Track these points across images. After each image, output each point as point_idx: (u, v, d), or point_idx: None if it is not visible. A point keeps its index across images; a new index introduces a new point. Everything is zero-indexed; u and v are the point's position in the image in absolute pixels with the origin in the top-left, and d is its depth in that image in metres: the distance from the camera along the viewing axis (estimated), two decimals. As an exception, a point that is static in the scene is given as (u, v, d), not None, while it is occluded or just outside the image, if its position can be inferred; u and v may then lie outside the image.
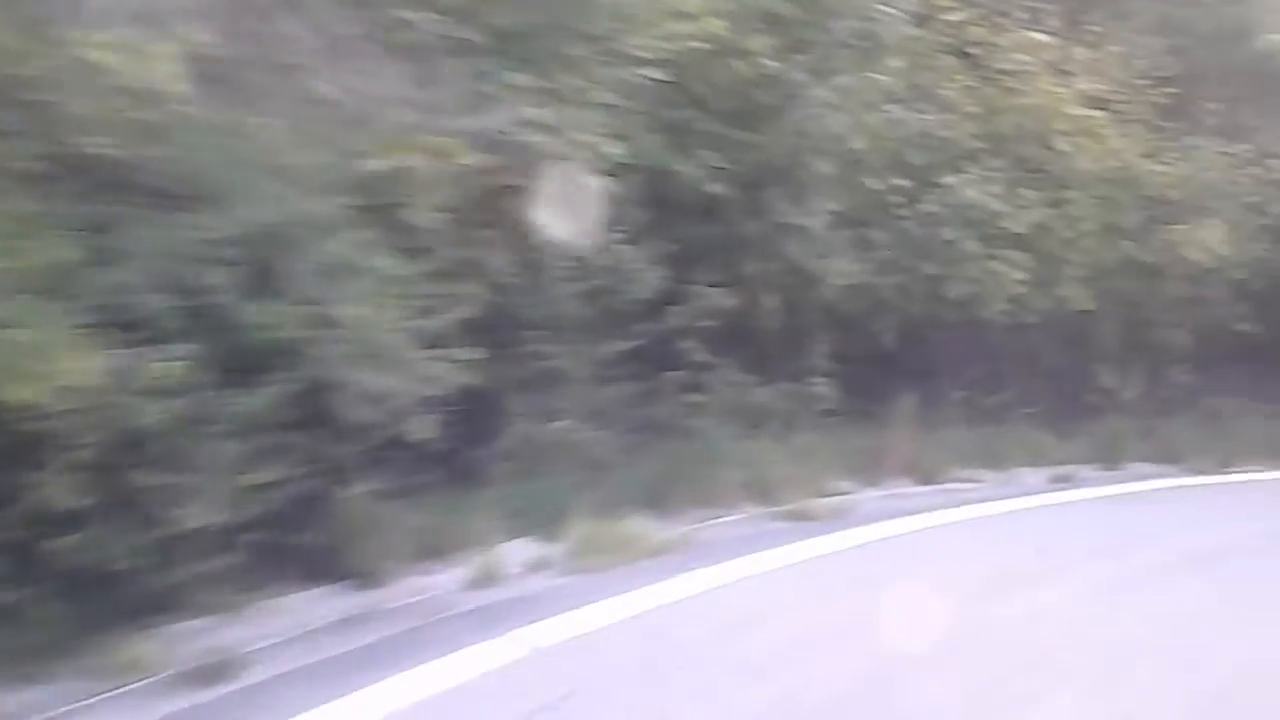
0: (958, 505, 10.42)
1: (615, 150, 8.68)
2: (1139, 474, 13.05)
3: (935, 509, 10.16)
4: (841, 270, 11.20)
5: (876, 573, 7.74)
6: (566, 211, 8.41)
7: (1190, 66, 14.89)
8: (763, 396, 10.71)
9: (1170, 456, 13.71)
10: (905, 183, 11.83)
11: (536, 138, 8.01)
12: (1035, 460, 12.61)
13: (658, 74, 9.26)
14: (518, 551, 7.41)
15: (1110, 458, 13.26)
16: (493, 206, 8.28)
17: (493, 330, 8.08)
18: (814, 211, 10.94)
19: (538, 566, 7.37)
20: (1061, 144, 12.66)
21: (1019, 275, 12.22)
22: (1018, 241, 12.32)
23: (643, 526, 8.22)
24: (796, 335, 11.37)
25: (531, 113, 7.97)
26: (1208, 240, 13.79)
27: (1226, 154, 14.47)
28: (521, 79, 7.98)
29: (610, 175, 8.69)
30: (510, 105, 7.89)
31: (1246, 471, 13.71)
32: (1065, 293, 13.00)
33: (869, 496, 10.62)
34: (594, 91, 8.71)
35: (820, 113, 10.67)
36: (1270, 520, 10.67)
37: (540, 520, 7.85)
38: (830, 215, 11.13)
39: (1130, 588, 7.63)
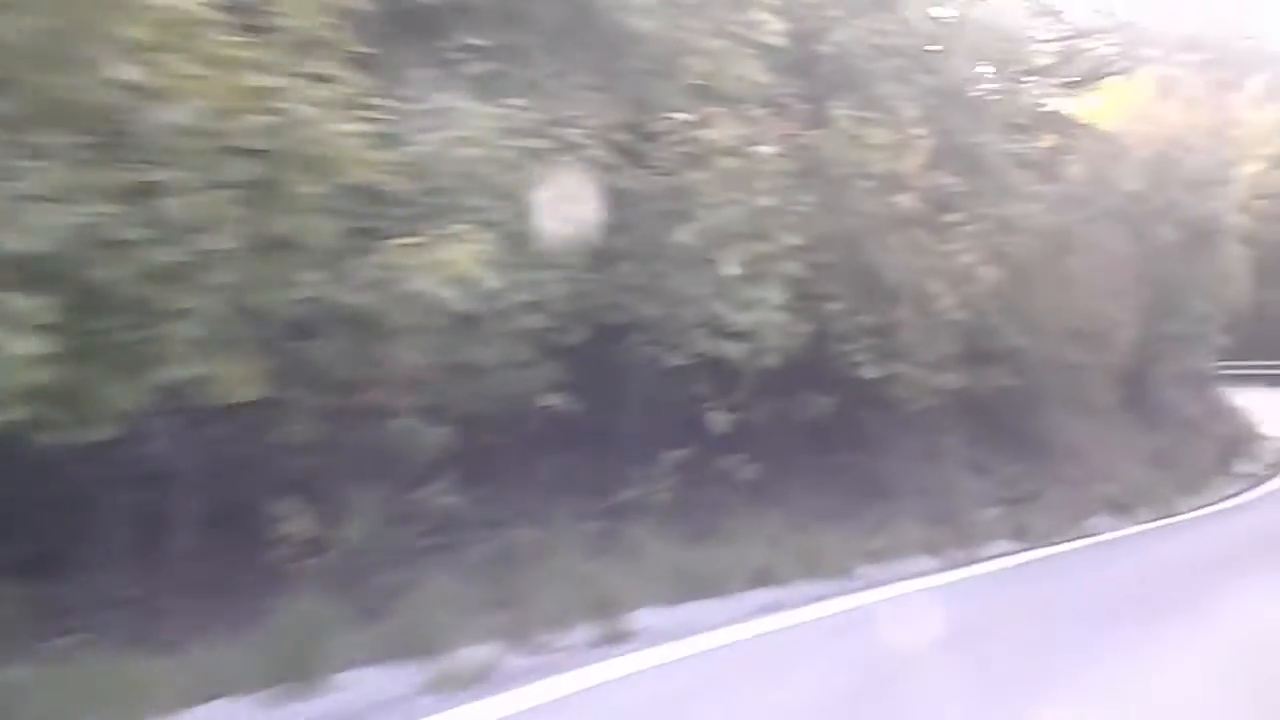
0: None
1: None
2: (353, 708, 6.82)
3: None
4: None
5: None
6: None
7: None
8: None
9: (416, 648, 7.55)
10: None
11: None
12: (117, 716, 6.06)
13: None
14: None
15: (297, 672, 6.92)
16: None
17: None
18: None
19: None
20: (124, 69, 6.17)
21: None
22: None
23: None
24: None
25: None
26: (461, 261, 7.88)
27: (495, 115, 8.68)
28: None
29: None
30: None
31: (561, 671, 7.65)
32: (190, 371, 6.51)
33: None
34: None
35: None
36: None
37: None
38: None
39: None
